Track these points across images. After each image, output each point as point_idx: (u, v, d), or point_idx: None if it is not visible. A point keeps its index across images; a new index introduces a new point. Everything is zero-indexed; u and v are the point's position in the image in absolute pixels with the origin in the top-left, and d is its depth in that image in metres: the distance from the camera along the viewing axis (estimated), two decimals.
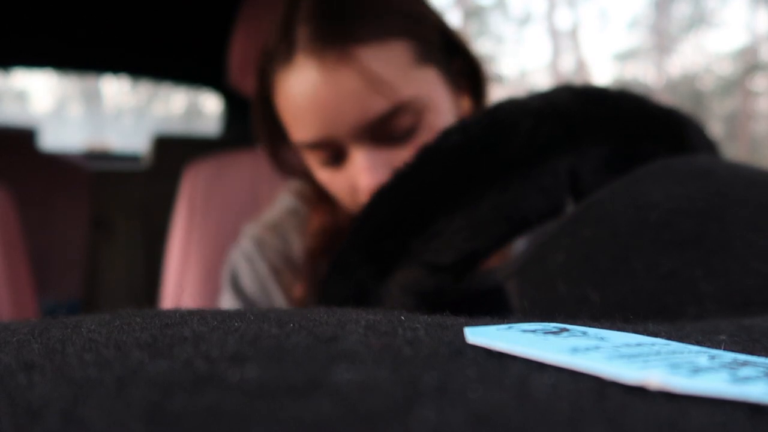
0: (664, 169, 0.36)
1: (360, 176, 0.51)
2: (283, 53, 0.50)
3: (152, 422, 0.11)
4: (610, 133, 0.40)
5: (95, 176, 1.57)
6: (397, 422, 0.11)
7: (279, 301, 0.65)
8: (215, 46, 1.24)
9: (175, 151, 1.53)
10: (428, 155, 0.40)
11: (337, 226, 0.61)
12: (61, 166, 1.55)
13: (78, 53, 1.63)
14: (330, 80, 0.48)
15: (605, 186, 0.37)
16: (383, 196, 0.41)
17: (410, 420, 0.11)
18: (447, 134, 0.41)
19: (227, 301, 0.68)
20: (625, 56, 12.08)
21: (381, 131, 0.50)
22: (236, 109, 1.76)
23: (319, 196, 0.62)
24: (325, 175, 0.54)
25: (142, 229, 1.55)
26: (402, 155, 0.49)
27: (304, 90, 0.49)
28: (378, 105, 0.49)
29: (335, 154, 0.52)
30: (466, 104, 0.60)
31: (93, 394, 0.13)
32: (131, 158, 2.03)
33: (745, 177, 0.35)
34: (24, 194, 1.25)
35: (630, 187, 0.35)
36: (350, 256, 0.41)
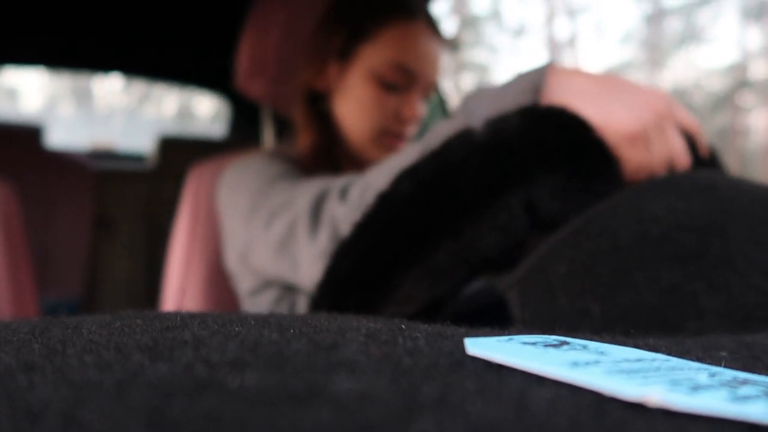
0: (666, 183, 0.36)
1: (411, 105, 0.76)
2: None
3: (152, 426, 0.11)
4: (563, 157, 0.39)
5: (99, 175, 1.57)
6: None
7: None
8: (222, 49, 1.24)
9: (179, 152, 1.53)
10: (382, 205, 0.40)
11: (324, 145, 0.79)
12: (65, 164, 1.56)
13: (87, 53, 1.63)
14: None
15: (567, 209, 0.36)
16: (342, 252, 0.41)
17: None
18: (399, 180, 0.40)
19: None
20: (617, 70, 12.10)
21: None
22: (242, 111, 1.77)
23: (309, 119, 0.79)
24: (379, 93, 0.75)
25: (144, 229, 1.55)
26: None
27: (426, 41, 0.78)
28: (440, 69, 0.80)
29: (405, 81, 0.75)
30: None
31: (93, 397, 0.13)
32: (136, 158, 2.04)
33: (747, 192, 0.34)
34: (27, 192, 1.25)
35: (632, 200, 0.35)
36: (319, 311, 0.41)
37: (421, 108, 0.77)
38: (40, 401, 0.12)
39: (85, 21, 1.42)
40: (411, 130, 0.77)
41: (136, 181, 1.59)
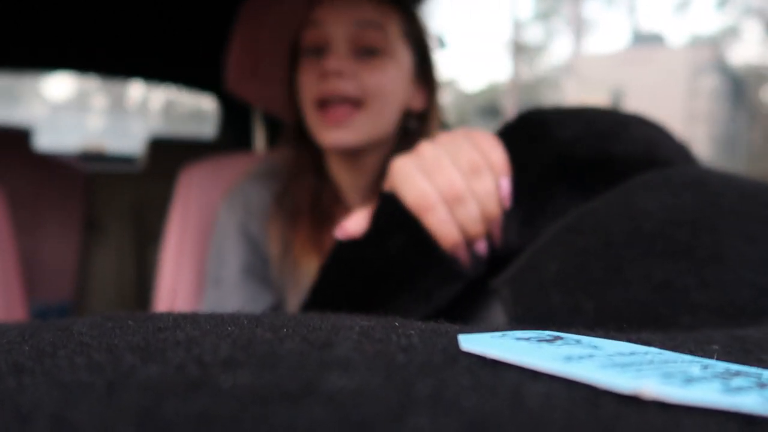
0: (657, 179, 0.36)
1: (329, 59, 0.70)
2: None
3: (143, 428, 0.11)
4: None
5: (89, 178, 1.56)
6: (390, 430, 0.11)
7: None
8: (213, 50, 1.24)
9: (170, 154, 1.52)
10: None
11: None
12: (54, 167, 1.54)
13: (77, 55, 1.62)
14: None
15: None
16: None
17: (403, 428, 0.11)
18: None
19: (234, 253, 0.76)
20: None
21: None
22: (232, 112, 1.76)
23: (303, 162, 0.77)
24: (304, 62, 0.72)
25: (134, 231, 1.54)
26: None
27: None
28: None
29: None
30: (417, 102, 0.76)
31: (84, 399, 0.12)
32: (126, 160, 2.03)
33: (736, 187, 0.35)
34: (16, 195, 1.24)
35: (624, 196, 0.35)
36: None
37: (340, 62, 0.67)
38: (30, 403, 0.12)
39: (75, 23, 1.41)
40: (342, 86, 0.66)
41: (125, 183, 1.58)
